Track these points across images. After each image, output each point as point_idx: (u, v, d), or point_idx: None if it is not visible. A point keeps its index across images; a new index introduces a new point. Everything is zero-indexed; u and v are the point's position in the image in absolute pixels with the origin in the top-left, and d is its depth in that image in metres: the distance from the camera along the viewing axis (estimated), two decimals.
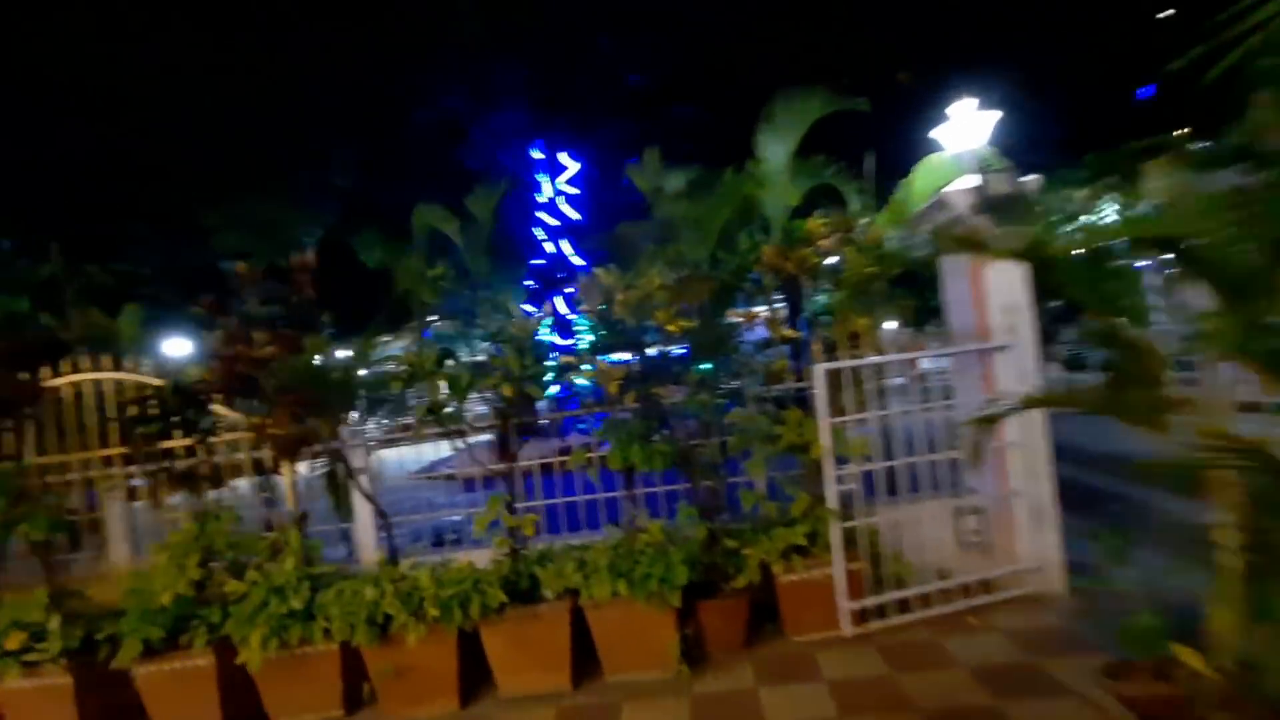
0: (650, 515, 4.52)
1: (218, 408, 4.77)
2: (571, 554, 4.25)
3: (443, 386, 4.45)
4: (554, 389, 4.89)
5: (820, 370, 4.09)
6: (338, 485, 4.97)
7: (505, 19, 18.69)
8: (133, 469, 4.77)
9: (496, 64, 19.18)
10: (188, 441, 4.55)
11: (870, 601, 4.15)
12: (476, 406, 5.00)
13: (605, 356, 4.49)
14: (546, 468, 5.27)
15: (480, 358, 4.99)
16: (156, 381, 4.60)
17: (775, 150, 5.63)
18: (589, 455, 4.54)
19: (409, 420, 4.66)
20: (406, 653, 3.83)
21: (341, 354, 5.06)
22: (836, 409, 4.15)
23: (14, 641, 4.18)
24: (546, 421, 5.27)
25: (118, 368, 5.04)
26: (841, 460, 4.13)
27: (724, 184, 5.45)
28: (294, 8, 18.03)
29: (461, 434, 4.48)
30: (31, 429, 4.51)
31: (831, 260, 4.58)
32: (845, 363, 4.23)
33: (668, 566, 3.73)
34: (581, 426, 5.63)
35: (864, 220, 4.54)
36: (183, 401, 4.36)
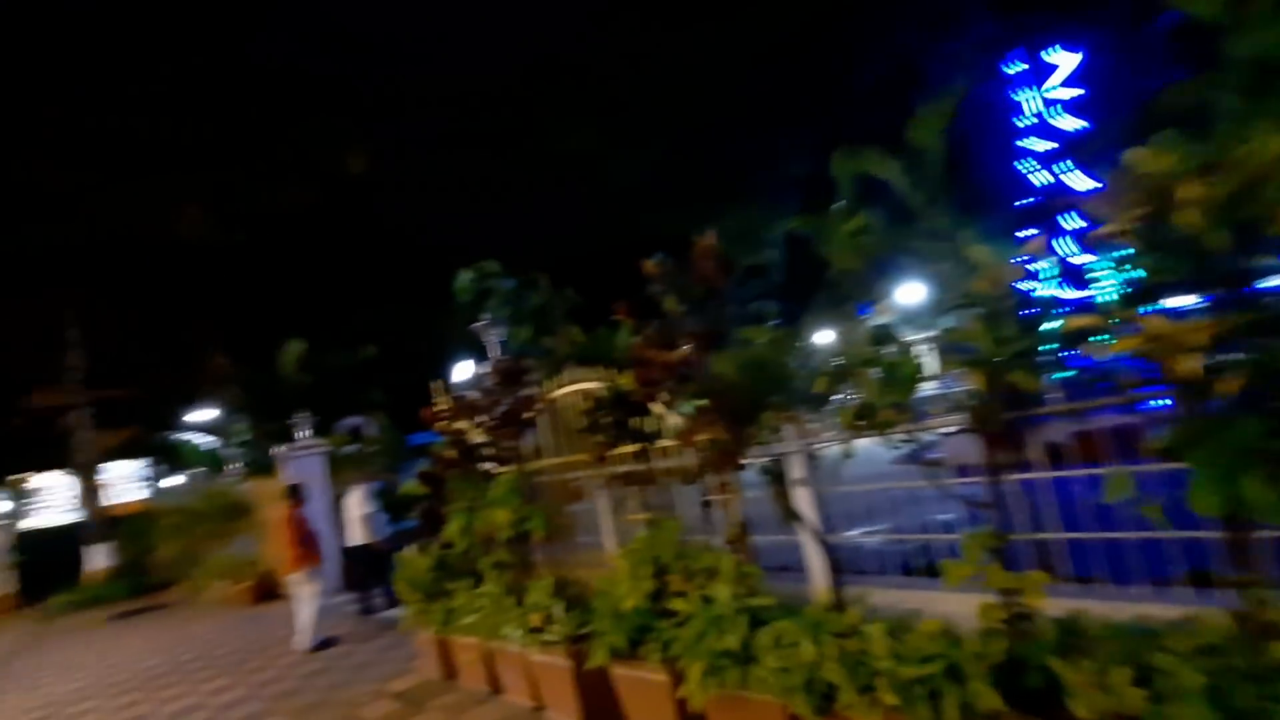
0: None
1: (660, 412, 4.70)
2: (1121, 642, 2.55)
3: (880, 379, 3.32)
4: (1060, 369, 3.18)
5: None
6: (783, 496, 4.34)
7: None
8: (606, 471, 5.10)
9: None
10: (632, 447, 4.59)
11: None
12: (942, 399, 3.71)
13: (1153, 306, 2.61)
14: (1058, 462, 3.58)
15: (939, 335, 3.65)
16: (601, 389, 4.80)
17: None
18: (1129, 473, 2.71)
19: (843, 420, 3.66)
20: None
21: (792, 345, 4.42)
22: None
23: (535, 619, 4.86)
24: (1048, 415, 3.54)
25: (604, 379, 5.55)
26: None
27: None
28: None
29: (909, 439, 3.27)
30: (535, 436, 5.30)
31: None
32: None
33: None
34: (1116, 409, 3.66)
35: None
36: (622, 408, 4.38)
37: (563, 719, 4.62)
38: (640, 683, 4.09)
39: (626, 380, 4.27)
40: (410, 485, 5.92)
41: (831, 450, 4.23)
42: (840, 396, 3.77)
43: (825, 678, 2.90)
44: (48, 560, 18.13)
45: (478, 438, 5.70)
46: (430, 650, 6.22)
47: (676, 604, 3.89)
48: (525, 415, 5.05)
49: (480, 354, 7.13)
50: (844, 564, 4.09)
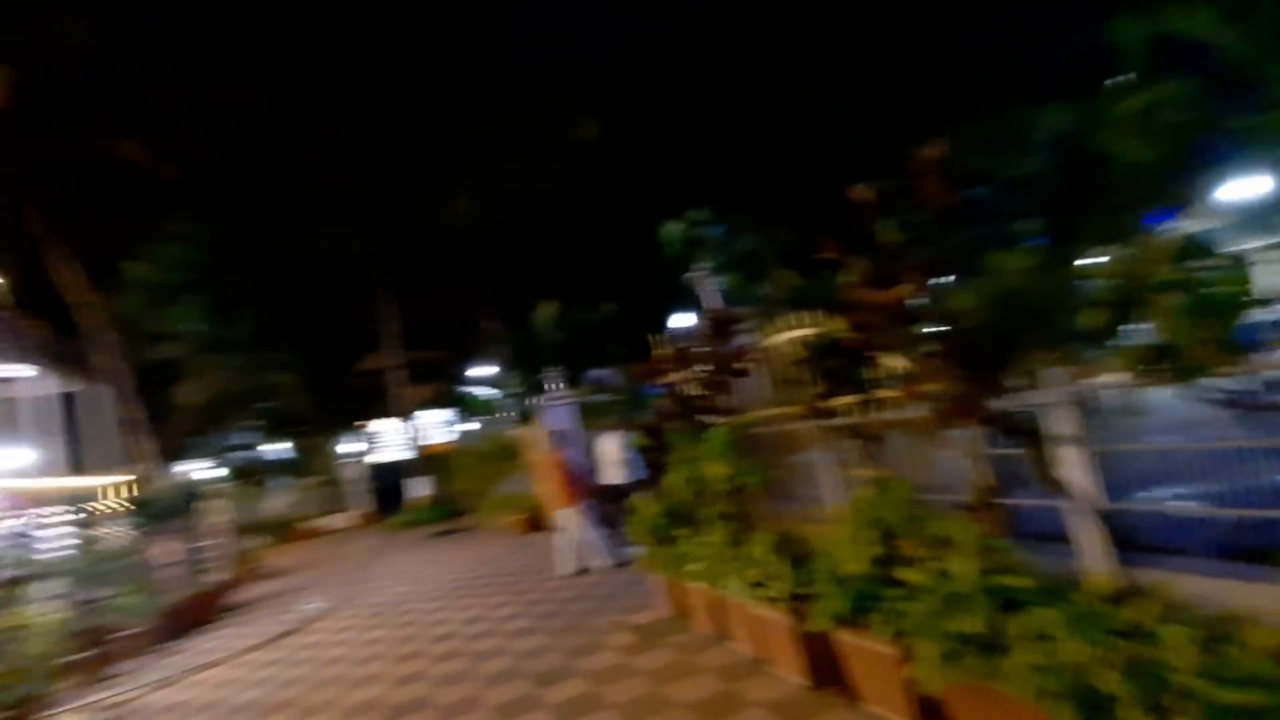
0: None
1: (886, 360, 4.18)
2: None
3: (1188, 307, 2.49)
4: None
5: None
6: (1040, 456, 3.59)
7: None
8: (825, 423, 4.74)
9: None
10: (853, 397, 4.15)
11: None
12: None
13: None
14: None
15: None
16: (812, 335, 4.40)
17: None
18: None
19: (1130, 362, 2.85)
20: None
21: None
22: None
23: (755, 574, 4.77)
24: None
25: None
26: None
27: None
28: None
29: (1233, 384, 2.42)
30: (752, 385, 5.11)
31: None
32: None
33: None
34: None
35: None
36: (838, 355, 3.96)
37: (785, 674, 4.50)
38: (865, 653, 3.78)
39: (839, 325, 3.84)
40: (635, 436, 6.17)
41: (1112, 399, 3.37)
42: (1126, 331, 2.96)
43: (1099, 685, 2.33)
44: (386, 488, 23.32)
45: (694, 389, 5.70)
46: (664, 590, 6.53)
47: (906, 574, 3.48)
48: (739, 365, 4.88)
49: (698, 305, 7.10)
50: (1130, 539, 3.27)
